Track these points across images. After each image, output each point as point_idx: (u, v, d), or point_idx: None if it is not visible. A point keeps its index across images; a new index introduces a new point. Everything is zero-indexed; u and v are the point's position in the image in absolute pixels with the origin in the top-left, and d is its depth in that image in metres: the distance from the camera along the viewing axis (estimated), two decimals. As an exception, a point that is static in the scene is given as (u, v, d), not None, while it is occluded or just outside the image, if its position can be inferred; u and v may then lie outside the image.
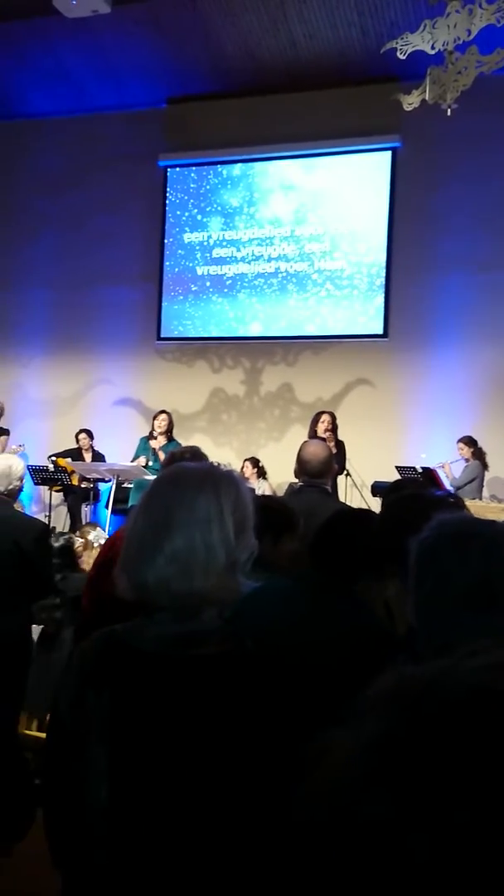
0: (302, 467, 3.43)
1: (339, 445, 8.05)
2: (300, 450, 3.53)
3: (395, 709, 0.43)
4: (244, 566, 1.41)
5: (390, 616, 2.39)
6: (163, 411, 8.93)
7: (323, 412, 8.25)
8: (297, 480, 8.12)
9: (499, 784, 0.38)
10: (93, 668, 1.39)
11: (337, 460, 8.07)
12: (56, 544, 5.01)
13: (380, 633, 1.92)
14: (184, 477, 1.43)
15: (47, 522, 9.26)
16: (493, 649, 0.47)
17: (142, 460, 8.48)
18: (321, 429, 7.94)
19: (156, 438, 8.56)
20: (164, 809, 1.32)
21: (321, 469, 3.35)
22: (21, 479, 3.94)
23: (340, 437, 8.17)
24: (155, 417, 8.86)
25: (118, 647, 1.39)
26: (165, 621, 1.38)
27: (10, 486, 3.87)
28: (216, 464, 1.49)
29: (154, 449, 8.49)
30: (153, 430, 8.69)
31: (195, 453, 3.04)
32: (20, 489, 4.05)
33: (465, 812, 0.37)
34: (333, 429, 8.08)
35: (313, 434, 7.82)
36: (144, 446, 8.71)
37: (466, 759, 0.39)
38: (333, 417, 8.19)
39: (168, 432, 8.69)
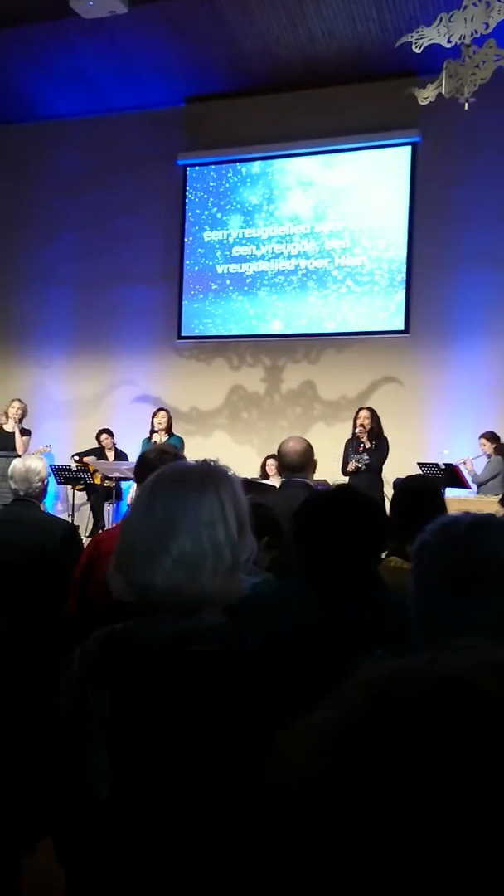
0: (281, 462, 3.43)
1: (381, 440, 8.33)
2: (279, 446, 3.52)
3: (357, 700, 0.43)
4: (245, 565, 1.41)
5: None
6: (161, 409, 9.10)
7: (361, 408, 8.62)
8: (318, 479, 8.21)
9: (449, 779, 0.37)
10: (93, 667, 1.39)
11: (377, 456, 8.19)
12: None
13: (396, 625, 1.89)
14: (185, 477, 1.42)
15: (70, 521, 9.38)
16: (477, 647, 0.46)
17: None
18: (356, 424, 8.36)
19: (158, 433, 8.69)
20: (165, 806, 1.32)
21: (301, 462, 3.30)
22: (42, 480, 3.91)
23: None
24: (154, 415, 8.98)
25: (118, 646, 1.40)
26: (166, 620, 1.38)
27: (31, 488, 3.86)
28: (211, 461, 1.48)
29: (155, 443, 8.65)
30: (153, 427, 8.82)
31: (163, 451, 2.94)
32: (44, 490, 4.04)
33: (415, 807, 0.37)
34: (374, 425, 8.35)
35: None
36: (147, 446, 8.82)
37: (421, 755, 0.38)
38: (372, 413, 8.41)
39: (168, 429, 8.82)
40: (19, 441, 9.35)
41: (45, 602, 3.78)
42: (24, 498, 3.85)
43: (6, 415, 9.49)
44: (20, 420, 9.41)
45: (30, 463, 3.92)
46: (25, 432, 9.51)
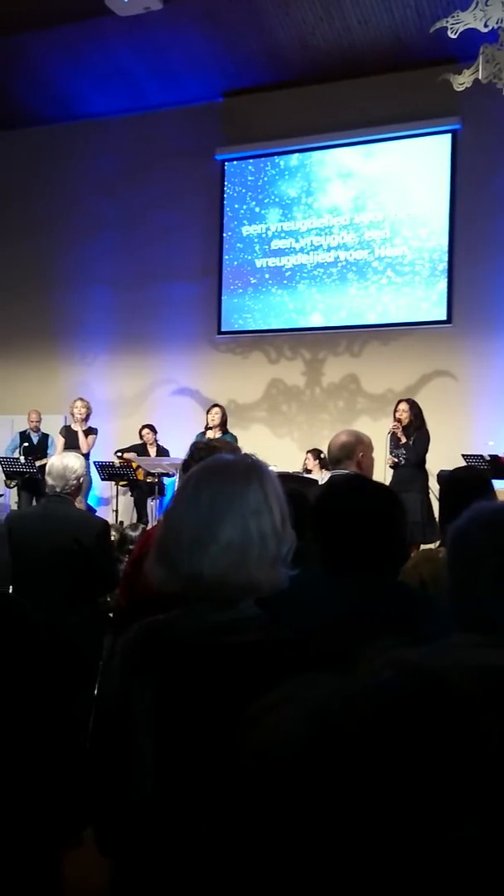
0: (328, 456, 3.41)
1: (420, 434, 8.19)
2: None
3: (341, 685, 0.44)
4: (286, 557, 1.42)
5: None
6: (215, 405, 9.13)
7: (400, 401, 8.48)
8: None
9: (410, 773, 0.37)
10: (136, 659, 1.40)
11: (414, 451, 8.10)
12: (134, 533, 5.10)
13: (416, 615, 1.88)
14: (230, 469, 1.43)
15: (115, 517, 9.47)
16: (469, 648, 0.46)
17: None
18: (395, 417, 8.28)
19: (212, 430, 8.74)
20: (209, 798, 1.32)
21: (339, 455, 3.23)
22: (78, 478, 3.97)
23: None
24: (208, 412, 9.03)
25: (160, 638, 1.40)
26: (205, 611, 1.38)
27: (67, 486, 3.92)
28: (250, 455, 1.49)
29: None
30: (207, 423, 8.89)
31: (213, 448, 2.98)
32: (80, 488, 4.09)
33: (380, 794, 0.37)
34: (415, 416, 8.21)
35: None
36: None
37: (383, 734, 0.39)
38: (410, 405, 8.31)
39: (222, 425, 8.87)
40: (83, 440, 9.51)
41: (79, 596, 3.85)
42: (59, 494, 3.92)
43: (72, 414, 9.67)
44: (85, 419, 9.59)
45: (67, 461, 3.99)
46: (92, 431, 9.66)
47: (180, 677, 1.36)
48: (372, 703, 0.40)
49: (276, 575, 1.39)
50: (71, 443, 9.34)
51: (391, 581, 1.96)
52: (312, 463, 9.34)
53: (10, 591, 3.84)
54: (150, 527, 9.29)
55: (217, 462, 1.48)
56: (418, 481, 8.09)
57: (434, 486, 8.12)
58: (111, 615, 4.97)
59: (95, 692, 3.96)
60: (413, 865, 0.36)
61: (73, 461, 4.01)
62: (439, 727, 0.38)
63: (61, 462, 3.97)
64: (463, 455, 8.18)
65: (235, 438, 8.66)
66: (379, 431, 9.22)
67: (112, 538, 4.81)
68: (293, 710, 0.43)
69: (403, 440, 8.18)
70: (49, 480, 3.97)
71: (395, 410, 8.38)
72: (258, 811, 0.41)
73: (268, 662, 1.34)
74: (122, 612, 2.83)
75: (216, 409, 9.04)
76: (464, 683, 0.40)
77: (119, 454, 9.95)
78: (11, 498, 10.03)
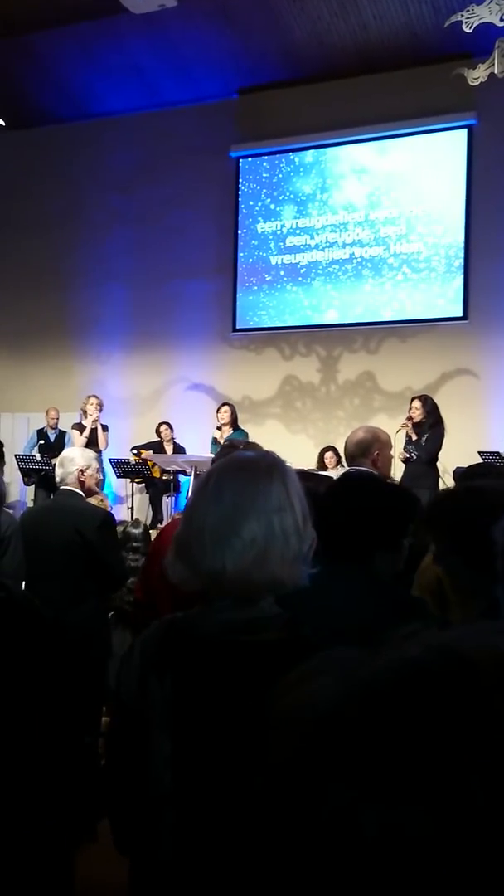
0: (344, 453, 3.41)
1: (434, 431, 8.15)
2: None
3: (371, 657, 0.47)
4: (307, 556, 1.41)
5: (442, 596, 2.32)
6: (224, 403, 9.14)
7: (414, 397, 8.45)
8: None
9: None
10: (155, 656, 1.40)
11: (425, 448, 8.06)
12: (136, 530, 5.10)
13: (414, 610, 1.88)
14: (252, 466, 1.43)
15: (130, 515, 9.48)
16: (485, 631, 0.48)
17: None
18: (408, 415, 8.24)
19: (220, 430, 8.76)
20: (227, 795, 1.32)
21: (355, 451, 3.20)
22: (80, 469, 3.99)
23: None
24: (217, 410, 9.05)
25: (179, 635, 1.40)
26: (225, 609, 1.38)
27: (68, 475, 3.95)
28: (271, 452, 1.48)
29: (217, 440, 8.73)
30: (217, 422, 8.92)
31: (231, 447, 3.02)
32: (85, 481, 4.10)
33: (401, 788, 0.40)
34: (427, 413, 8.17)
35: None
36: (214, 440, 8.94)
37: (401, 697, 0.42)
38: (423, 402, 8.25)
39: (232, 423, 8.87)
40: (101, 437, 9.53)
41: (85, 590, 3.84)
42: (66, 487, 3.95)
43: (85, 412, 9.67)
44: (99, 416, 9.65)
45: (68, 452, 4.11)
46: (104, 428, 9.69)
47: (200, 675, 1.36)
48: (399, 675, 0.42)
49: (297, 573, 1.39)
50: (90, 440, 9.38)
51: (389, 579, 1.97)
52: (332, 460, 9.33)
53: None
54: (164, 524, 9.33)
55: (239, 459, 1.48)
56: (429, 478, 8.07)
57: (450, 483, 8.08)
58: (118, 611, 4.96)
59: (103, 688, 3.96)
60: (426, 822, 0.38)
61: (74, 452, 4.10)
62: (462, 701, 0.40)
63: (64, 454, 4.08)
64: (479, 452, 8.14)
65: (246, 435, 8.67)
66: (396, 429, 9.21)
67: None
68: (324, 679, 0.44)
69: (415, 437, 8.15)
70: (56, 471, 4.04)
71: (409, 408, 8.37)
72: (286, 780, 0.42)
73: (288, 661, 1.33)
74: (141, 605, 2.84)
75: (225, 408, 9.06)
76: (486, 663, 0.42)
77: (135, 451, 9.97)
78: (28, 496, 10.08)
